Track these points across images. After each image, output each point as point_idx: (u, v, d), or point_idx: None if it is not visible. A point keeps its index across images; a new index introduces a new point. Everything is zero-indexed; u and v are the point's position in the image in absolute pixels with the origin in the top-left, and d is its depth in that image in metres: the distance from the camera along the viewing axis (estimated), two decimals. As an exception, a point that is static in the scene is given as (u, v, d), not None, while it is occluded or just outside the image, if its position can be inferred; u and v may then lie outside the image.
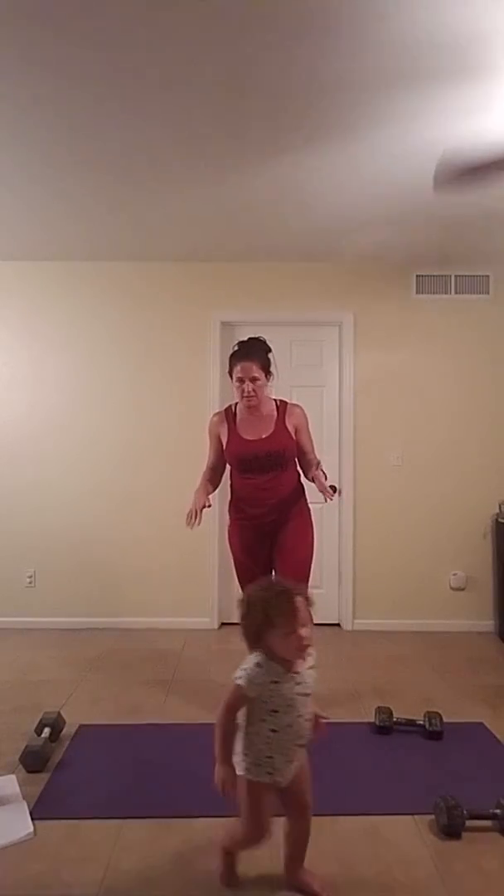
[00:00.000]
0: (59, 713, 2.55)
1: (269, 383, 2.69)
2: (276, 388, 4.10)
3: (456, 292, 4.06)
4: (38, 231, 3.52)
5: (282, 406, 2.73)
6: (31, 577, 4.07)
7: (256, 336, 2.75)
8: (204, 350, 4.06)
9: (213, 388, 4.02)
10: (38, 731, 2.48)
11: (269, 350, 2.71)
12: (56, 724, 2.51)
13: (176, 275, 4.09)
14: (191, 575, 4.05)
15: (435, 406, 4.08)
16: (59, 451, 4.08)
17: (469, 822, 1.92)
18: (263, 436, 2.66)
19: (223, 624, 4.06)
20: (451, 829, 1.90)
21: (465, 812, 1.91)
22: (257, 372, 2.60)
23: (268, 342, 2.74)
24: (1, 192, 2.98)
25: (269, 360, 2.68)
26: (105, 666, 3.36)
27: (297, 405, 2.76)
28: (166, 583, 4.07)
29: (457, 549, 4.06)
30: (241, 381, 2.61)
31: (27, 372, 4.08)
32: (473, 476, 4.06)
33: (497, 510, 4.03)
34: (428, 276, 4.06)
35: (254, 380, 2.59)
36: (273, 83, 2.08)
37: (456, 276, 4.05)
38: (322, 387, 4.15)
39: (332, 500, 2.62)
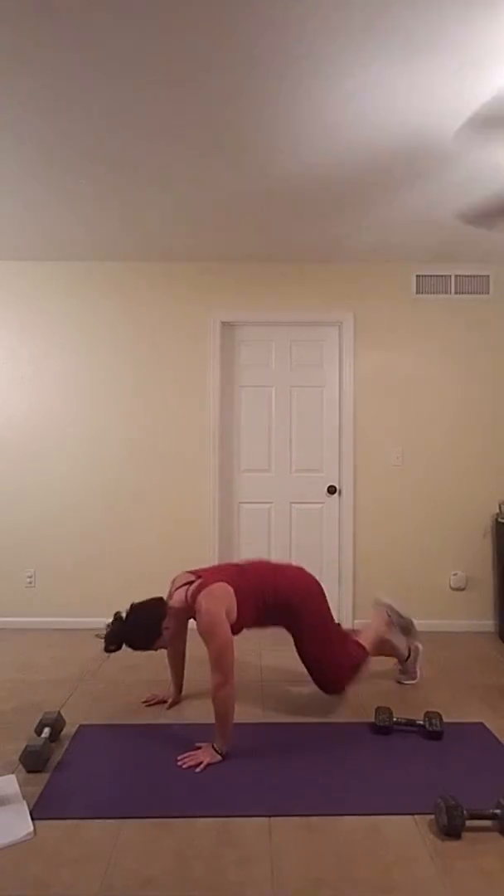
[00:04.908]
0: (59, 713, 2.55)
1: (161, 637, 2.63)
2: (277, 388, 4.19)
3: (456, 292, 4.06)
4: (38, 231, 3.52)
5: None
6: (31, 577, 4.07)
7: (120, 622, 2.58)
8: (204, 350, 4.06)
9: (213, 388, 4.03)
10: (38, 731, 2.48)
11: (131, 631, 2.56)
12: (56, 724, 2.51)
13: (176, 275, 4.10)
14: (191, 575, 4.04)
15: (435, 406, 4.08)
16: (58, 450, 4.08)
17: (469, 822, 1.93)
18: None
19: (223, 624, 4.07)
20: (451, 829, 1.90)
21: (465, 812, 1.91)
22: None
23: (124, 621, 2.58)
24: (1, 191, 2.98)
25: (136, 638, 2.57)
26: (105, 666, 3.37)
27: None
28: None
29: (457, 549, 4.07)
30: None
31: (27, 372, 4.09)
32: (473, 476, 4.07)
33: (497, 510, 4.03)
34: (428, 276, 4.06)
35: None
36: (271, 90, 2.09)
37: (456, 276, 4.06)
38: (322, 387, 4.15)
39: None
